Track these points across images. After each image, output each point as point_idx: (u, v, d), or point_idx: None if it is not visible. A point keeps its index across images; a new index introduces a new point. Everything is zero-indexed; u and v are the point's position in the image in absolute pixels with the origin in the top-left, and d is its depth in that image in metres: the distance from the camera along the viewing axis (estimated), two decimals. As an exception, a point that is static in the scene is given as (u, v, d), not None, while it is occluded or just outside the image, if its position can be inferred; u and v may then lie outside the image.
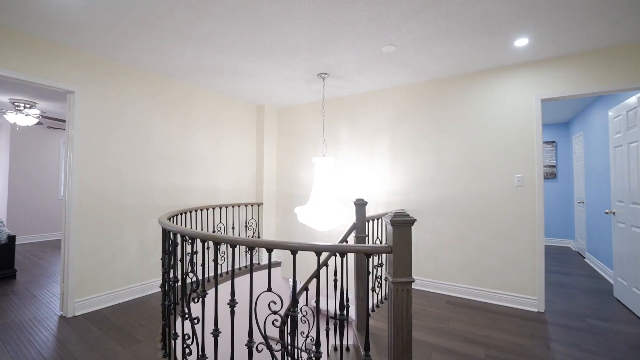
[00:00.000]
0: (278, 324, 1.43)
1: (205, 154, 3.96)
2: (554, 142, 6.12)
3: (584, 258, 4.94)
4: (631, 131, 2.89)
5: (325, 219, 3.02)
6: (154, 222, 3.40)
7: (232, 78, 3.56)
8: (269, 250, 1.41)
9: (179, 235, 2.06)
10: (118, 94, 3.11)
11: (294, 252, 1.37)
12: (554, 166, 6.08)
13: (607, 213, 3.27)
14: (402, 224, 1.27)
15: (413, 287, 3.61)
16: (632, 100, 2.87)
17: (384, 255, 3.25)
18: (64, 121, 4.97)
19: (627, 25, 2.36)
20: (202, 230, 3.30)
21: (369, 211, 3.99)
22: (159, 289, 3.41)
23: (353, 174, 4.16)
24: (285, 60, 3.02)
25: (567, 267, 4.48)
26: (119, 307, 2.98)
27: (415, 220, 1.28)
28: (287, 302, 4.31)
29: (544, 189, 6.17)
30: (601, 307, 3.01)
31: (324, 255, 4.03)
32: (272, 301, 1.39)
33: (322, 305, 4.89)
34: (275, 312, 1.42)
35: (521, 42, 2.63)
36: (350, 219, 4.09)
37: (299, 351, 3.26)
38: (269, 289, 1.41)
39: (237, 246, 4.13)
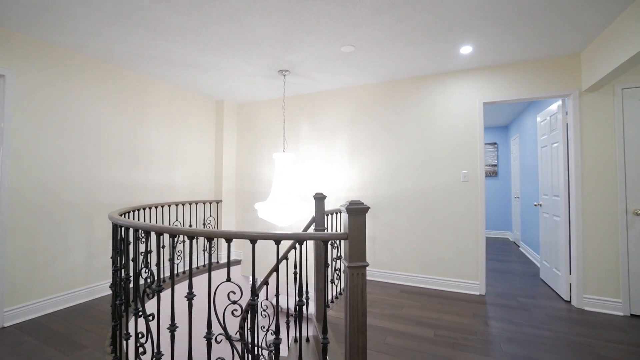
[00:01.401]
0: (238, 313, 1.44)
1: (160, 149, 3.77)
2: (495, 143, 6.77)
3: (519, 247, 5.54)
4: (553, 133, 3.33)
5: (286, 214, 3.05)
6: (103, 220, 3.17)
7: (191, 71, 3.44)
8: (228, 241, 1.42)
9: (131, 230, 1.97)
10: (60, 80, 2.85)
11: (253, 242, 1.40)
12: (495, 165, 6.73)
13: (535, 205, 3.72)
14: (356, 211, 1.36)
15: (371, 278, 3.79)
16: (554, 107, 3.31)
17: (342, 248, 3.36)
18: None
19: (548, 41, 2.72)
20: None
21: (329, 206, 4.10)
22: (108, 292, 3.19)
23: (313, 170, 4.24)
24: (246, 55, 3.00)
25: (505, 255, 5.00)
26: (61, 313, 2.74)
27: (369, 207, 1.37)
28: (246, 295, 4.26)
29: (487, 186, 6.80)
30: (530, 287, 3.43)
31: (284, 247, 4.04)
32: (231, 291, 1.40)
33: (283, 303, 4.90)
34: (234, 302, 1.43)
35: (466, 49, 2.90)
36: (310, 214, 4.16)
37: (259, 349, 3.26)
38: (228, 279, 1.42)
39: (195, 238, 4.01)
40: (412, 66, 3.32)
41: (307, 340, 2.59)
